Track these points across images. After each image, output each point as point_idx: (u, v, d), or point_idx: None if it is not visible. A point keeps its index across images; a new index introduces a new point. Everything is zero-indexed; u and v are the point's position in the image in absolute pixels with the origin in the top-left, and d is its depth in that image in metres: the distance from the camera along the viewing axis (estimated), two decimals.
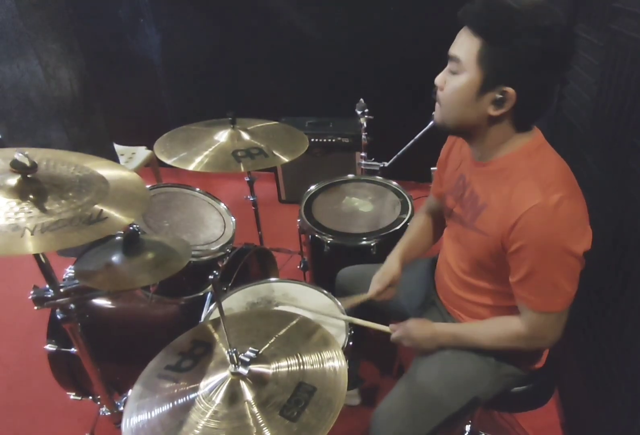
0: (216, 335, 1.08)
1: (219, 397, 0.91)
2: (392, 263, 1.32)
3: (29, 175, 0.91)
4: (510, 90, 0.89)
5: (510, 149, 1.00)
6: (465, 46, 0.91)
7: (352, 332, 1.29)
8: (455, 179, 1.18)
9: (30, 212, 0.86)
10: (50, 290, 1.03)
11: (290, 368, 0.96)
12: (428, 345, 1.18)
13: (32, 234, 0.83)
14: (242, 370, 0.92)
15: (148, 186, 1.72)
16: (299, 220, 1.84)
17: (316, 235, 1.74)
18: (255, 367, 0.94)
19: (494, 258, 1.03)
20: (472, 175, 1.10)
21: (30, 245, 0.82)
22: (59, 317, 1.07)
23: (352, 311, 1.36)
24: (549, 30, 0.86)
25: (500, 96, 0.91)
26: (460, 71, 0.93)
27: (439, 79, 0.99)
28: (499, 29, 0.87)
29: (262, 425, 0.85)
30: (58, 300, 1.04)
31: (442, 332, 1.17)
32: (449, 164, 1.24)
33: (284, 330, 1.07)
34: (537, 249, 0.93)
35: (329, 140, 2.69)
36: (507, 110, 0.92)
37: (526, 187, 0.94)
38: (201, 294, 1.56)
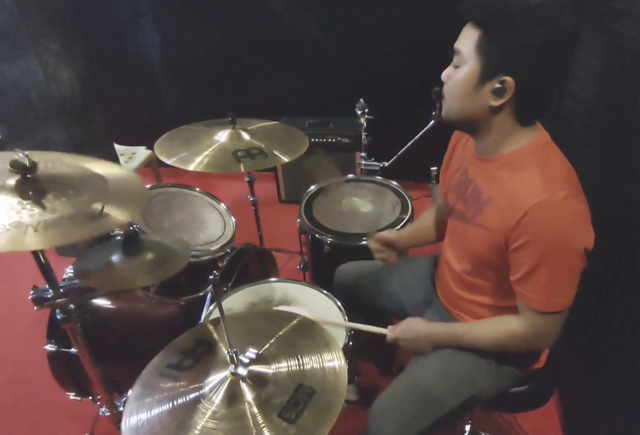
0: (216, 336, 1.07)
1: (218, 398, 0.90)
2: (401, 231, 1.41)
3: (28, 176, 0.91)
4: (509, 79, 0.90)
5: (516, 145, 1.00)
6: (466, 39, 0.94)
7: (352, 332, 1.29)
8: (458, 176, 1.17)
9: (32, 210, 0.87)
10: (50, 290, 1.03)
11: (290, 369, 0.96)
12: (424, 345, 1.18)
13: (35, 231, 0.83)
14: (242, 371, 0.92)
15: (148, 186, 1.72)
16: (299, 220, 1.83)
17: (316, 236, 1.74)
18: (255, 368, 0.94)
19: (495, 254, 1.03)
20: (476, 170, 1.09)
21: (33, 241, 0.82)
22: (58, 317, 1.07)
23: (352, 315, 1.35)
24: (548, 18, 0.87)
25: (499, 86, 0.92)
26: (461, 63, 0.95)
27: (444, 74, 1.01)
28: (495, 18, 0.89)
29: (262, 425, 0.85)
30: (58, 301, 1.04)
31: (439, 332, 1.17)
32: (452, 163, 1.24)
33: (284, 331, 1.07)
34: (541, 244, 0.92)
35: (329, 140, 2.69)
36: (507, 100, 0.93)
37: (532, 182, 0.94)
38: (201, 294, 1.56)
